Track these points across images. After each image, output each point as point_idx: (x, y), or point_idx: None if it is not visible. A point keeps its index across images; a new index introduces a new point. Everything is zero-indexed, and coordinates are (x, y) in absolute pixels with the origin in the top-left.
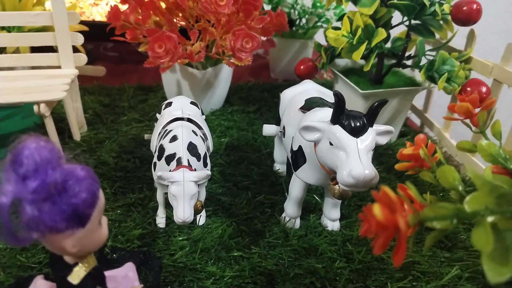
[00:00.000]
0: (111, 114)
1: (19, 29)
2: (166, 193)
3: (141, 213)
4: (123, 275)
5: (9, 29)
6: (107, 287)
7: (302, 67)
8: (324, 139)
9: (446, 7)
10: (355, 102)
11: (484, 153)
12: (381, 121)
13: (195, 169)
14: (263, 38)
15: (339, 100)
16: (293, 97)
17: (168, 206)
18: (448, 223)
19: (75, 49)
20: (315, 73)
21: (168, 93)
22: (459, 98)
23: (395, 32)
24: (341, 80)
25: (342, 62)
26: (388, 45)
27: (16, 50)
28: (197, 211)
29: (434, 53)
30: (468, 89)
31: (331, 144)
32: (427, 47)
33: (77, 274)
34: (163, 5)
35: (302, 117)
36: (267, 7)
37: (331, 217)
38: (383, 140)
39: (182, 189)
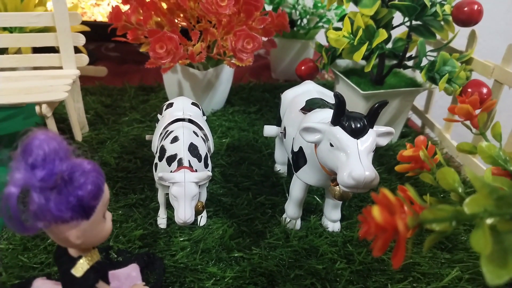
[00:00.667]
0: (113, 114)
1: (21, 29)
2: (167, 194)
3: (142, 213)
4: (126, 274)
5: (11, 30)
6: (110, 283)
7: (303, 67)
8: (325, 140)
9: (447, 8)
10: (356, 102)
11: (484, 154)
12: (382, 121)
13: (196, 170)
14: (264, 39)
15: (340, 102)
16: (294, 98)
17: (169, 207)
18: (447, 225)
19: (77, 50)
20: (316, 73)
21: (169, 93)
22: (459, 99)
23: (396, 33)
24: (342, 81)
25: (343, 62)
26: (389, 45)
27: (18, 51)
28: (198, 212)
29: (435, 54)
30: (469, 90)
31: (331, 145)
32: (428, 47)
33: (81, 267)
34: (164, 5)
35: (302, 118)
36: (268, 8)
37: (331, 218)
38: (384, 142)
39: (183, 190)
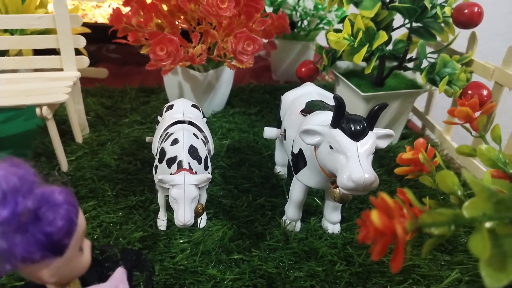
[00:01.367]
0: (113, 116)
1: (22, 31)
2: (167, 196)
3: (142, 215)
4: None
5: (11, 32)
6: None
7: (303, 69)
8: (324, 142)
9: (448, 10)
10: (356, 104)
11: (484, 157)
12: (382, 123)
13: (196, 172)
14: (265, 40)
15: (339, 104)
16: (294, 99)
17: (169, 209)
18: (446, 229)
19: (77, 51)
20: (317, 75)
21: (169, 95)
22: (459, 102)
23: (396, 35)
24: (342, 83)
25: (343, 64)
26: (390, 47)
27: (19, 53)
28: (198, 214)
29: (435, 55)
30: (469, 92)
31: (331, 147)
32: (428, 49)
33: None
34: (165, 7)
35: (302, 120)
36: (269, 9)
37: (331, 220)
38: (383, 144)
39: (183, 192)
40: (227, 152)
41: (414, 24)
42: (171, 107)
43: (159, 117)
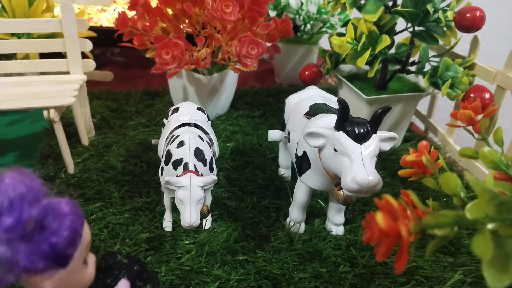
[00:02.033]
0: (119, 118)
1: (29, 35)
2: (173, 197)
3: (148, 217)
4: None
5: (19, 36)
6: None
7: (306, 72)
8: (328, 145)
9: (450, 14)
10: (360, 107)
11: (486, 160)
12: (385, 126)
13: (201, 174)
14: (268, 44)
15: (343, 107)
16: (297, 103)
17: (175, 210)
18: (449, 230)
19: (84, 55)
20: (320, 78)
21: (174, 98)
22: (461, 105)
23: (399, 38)
24: (345, 86)
25: (346, 67)
26: (392, 51)
27: (26, 56)
28: (203, 215)
29: (437, 59)
30: (471, 95)
31: (335, 150)
32: (431, 53)
33: None
34: (170, 12)
35: (306, 123)
36: (272, 13)
37: (335, 222)
38: (387, 147)
39: (189, 194)
40: (231, 154)
41: (416, 28)
42: (176, 110)
43: (164, 120)
